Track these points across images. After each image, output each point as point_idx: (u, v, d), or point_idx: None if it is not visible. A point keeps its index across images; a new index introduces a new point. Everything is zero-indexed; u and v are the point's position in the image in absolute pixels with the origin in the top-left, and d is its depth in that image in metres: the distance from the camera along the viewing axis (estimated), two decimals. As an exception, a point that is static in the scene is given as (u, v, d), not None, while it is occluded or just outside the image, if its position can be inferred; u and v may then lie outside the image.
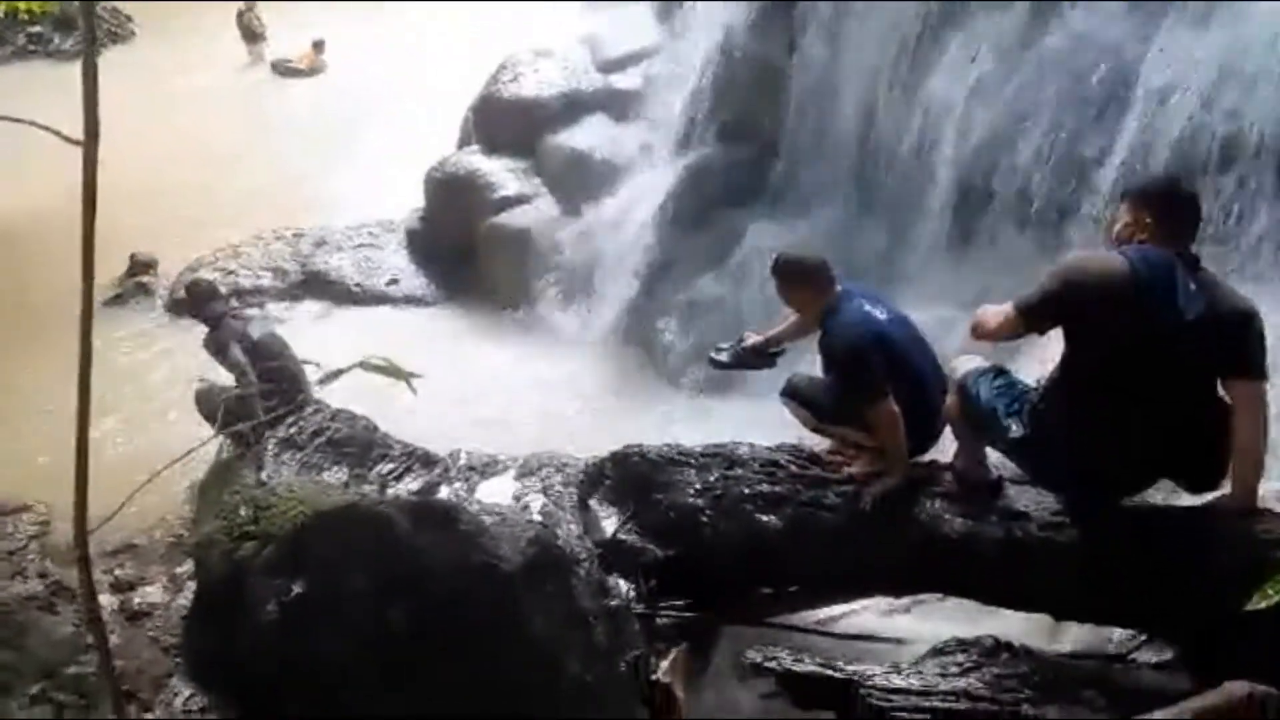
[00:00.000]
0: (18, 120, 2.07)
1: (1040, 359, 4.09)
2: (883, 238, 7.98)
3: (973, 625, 4.26)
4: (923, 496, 4.38)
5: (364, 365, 2.24)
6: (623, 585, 4.95)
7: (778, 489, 4.73)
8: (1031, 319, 3.70)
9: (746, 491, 4.76)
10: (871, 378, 4.22)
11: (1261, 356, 3.55)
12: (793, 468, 4.81)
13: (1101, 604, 4.07)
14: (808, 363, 4.86)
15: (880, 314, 4.38)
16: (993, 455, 4.33)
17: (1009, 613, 4.35)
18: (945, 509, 4.33)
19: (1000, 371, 4.13)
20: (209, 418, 6.66)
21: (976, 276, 7.02)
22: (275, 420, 5.70)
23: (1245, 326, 3.52)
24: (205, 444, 5.71)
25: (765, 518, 4.67)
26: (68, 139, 1.96)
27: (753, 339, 4.98)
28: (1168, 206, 3.59)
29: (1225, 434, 3.58)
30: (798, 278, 4.50)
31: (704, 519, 4.81)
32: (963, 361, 4.26)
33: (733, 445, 5.12)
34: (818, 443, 4.97)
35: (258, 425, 5.85)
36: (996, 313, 3.85)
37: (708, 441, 5.17)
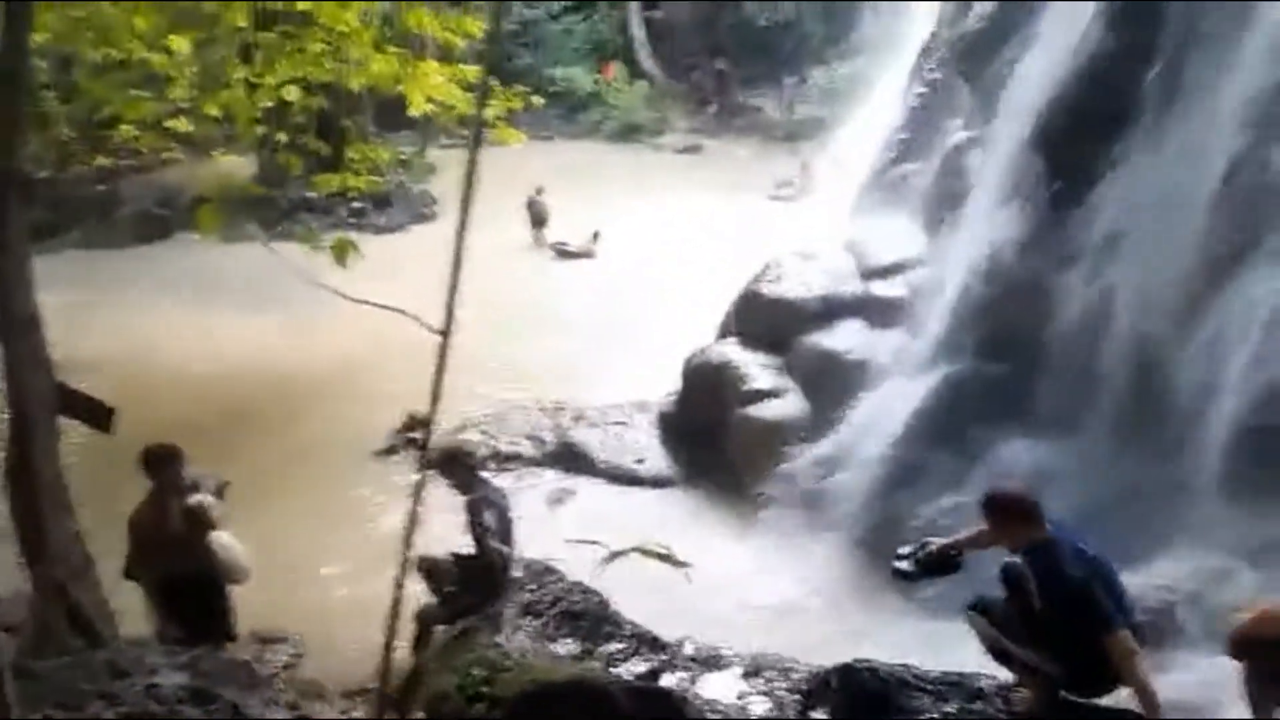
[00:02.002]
0: (385, 307, 2.39)
1: None
2: (1145, 473, 7.48)
3: None
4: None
5: (642, 550, 2.34)
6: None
7: (1022, 729, 4.44)
8: None
9: (988, 729, 4.50)
10: (1106, 611, 4.29)
11: None
12: (1040, 710, 4.52)
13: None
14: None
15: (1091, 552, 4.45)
16: None
17: None
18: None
19: None
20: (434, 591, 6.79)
21: (1257, 526, 6.47)
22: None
23: None
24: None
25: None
26: (430, 328, 2.24)
27: (937, 544, 4.93)
28: None
29: None
30: (1012, 513, 4.51)
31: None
32: None
33: (974, 676, 4.88)
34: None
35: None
36: None
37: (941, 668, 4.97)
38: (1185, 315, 7.67)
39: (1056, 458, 8.15)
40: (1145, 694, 4.27)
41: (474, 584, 6.36)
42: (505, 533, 6.46)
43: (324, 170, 18.75)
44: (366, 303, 2.40)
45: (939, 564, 4.91)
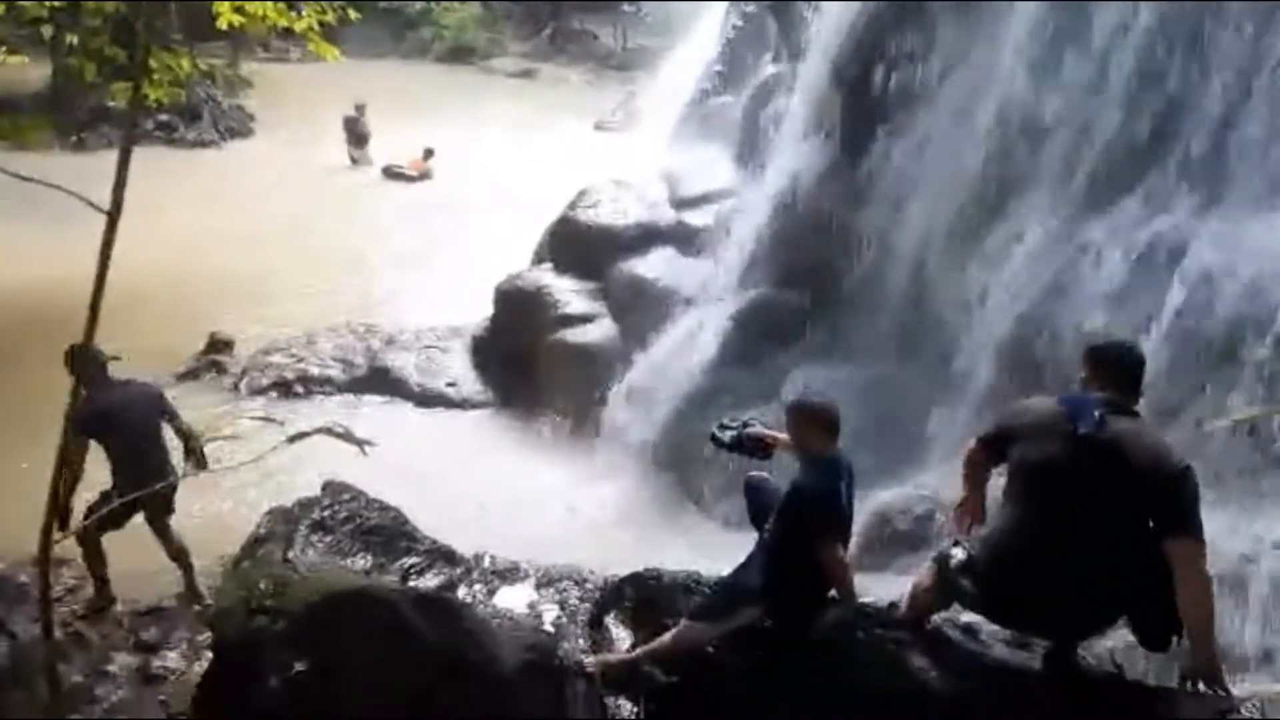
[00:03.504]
0: (58, 188, 2.36)
1: None
2: (924, 394, 8.07)
3: None
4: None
5: (328, 431, 2.43)
6: (625, 706, 5.00)
7: (784, 626, 4.78)
8: (987, 444, 4.13)
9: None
10: (831, 522, 4.52)
11: (1193, 516, 3.61)
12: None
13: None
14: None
15: (846, 488, 4.65)
16: None
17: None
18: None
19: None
20: None
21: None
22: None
23: (1175, 483, 3.60)
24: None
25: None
26: (97, 208, 2.24)
27: (758, 428, 5.15)
28: (1100, 361, 3.98)
29: (1170, 593, 3.61)
30: (813, 422, 4.71)
31: (711, 649, 4.85)
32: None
33: (749, 578, 5.16)
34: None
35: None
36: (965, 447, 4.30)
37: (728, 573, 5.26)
38: (959, 247, 8.24)
39: (844, 379, 8.64)
40: (846, 596, 4.56)
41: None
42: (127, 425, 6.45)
43: (121, 79, 17.64)
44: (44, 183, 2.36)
45: (751, 445, 5.12)
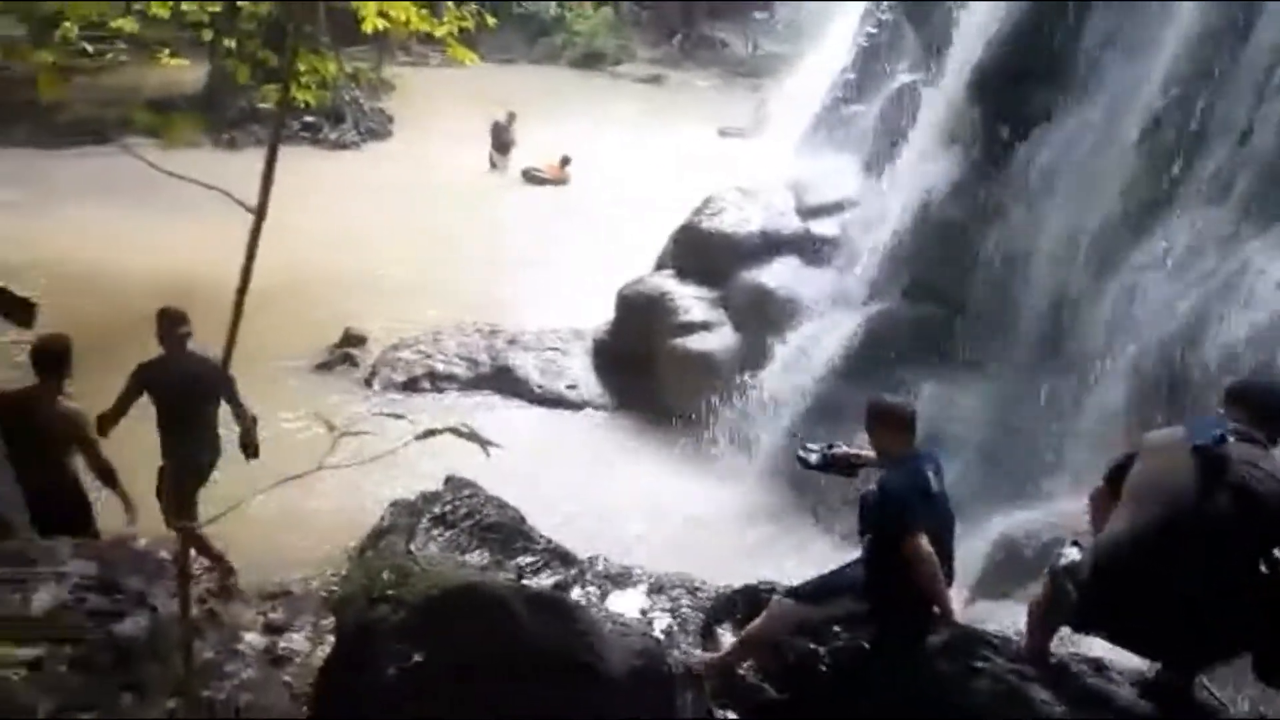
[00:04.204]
0: (209, 187, 2.44)
1: None
2: (1057, 415, 7.77)
3: None
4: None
5: (453, 430, 2.45)
6: (730, 718, 4.96)
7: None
8: (1113, 481, 4.02)
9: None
10: (913, 517, 4.45)
11: None
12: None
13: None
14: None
15: (934, 482, 4.62)
16: None
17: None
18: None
19: None
20: None
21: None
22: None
23: None
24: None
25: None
26: (245, 206, 2.30)
27: (843, 448, 5.20)
28: (1239, 396, 3.97)
29: None
30: (888, 421, 4.74)
31: (821, 667, 4.78)
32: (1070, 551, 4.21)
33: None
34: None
35: None
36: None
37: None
38: (1101, 265, 7.91)
39: (970, 397, 8.41)
40: (937, 598, 4.47)
41: None
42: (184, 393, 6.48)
43: (272, 81, 18.43)
44: (185, 179, 2.44)
45: (838, 463, 5.18)
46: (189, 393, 6.67)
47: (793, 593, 4.92)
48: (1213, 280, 7.09)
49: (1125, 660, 4.31)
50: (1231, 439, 3.66)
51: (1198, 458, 3.63)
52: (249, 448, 6.85)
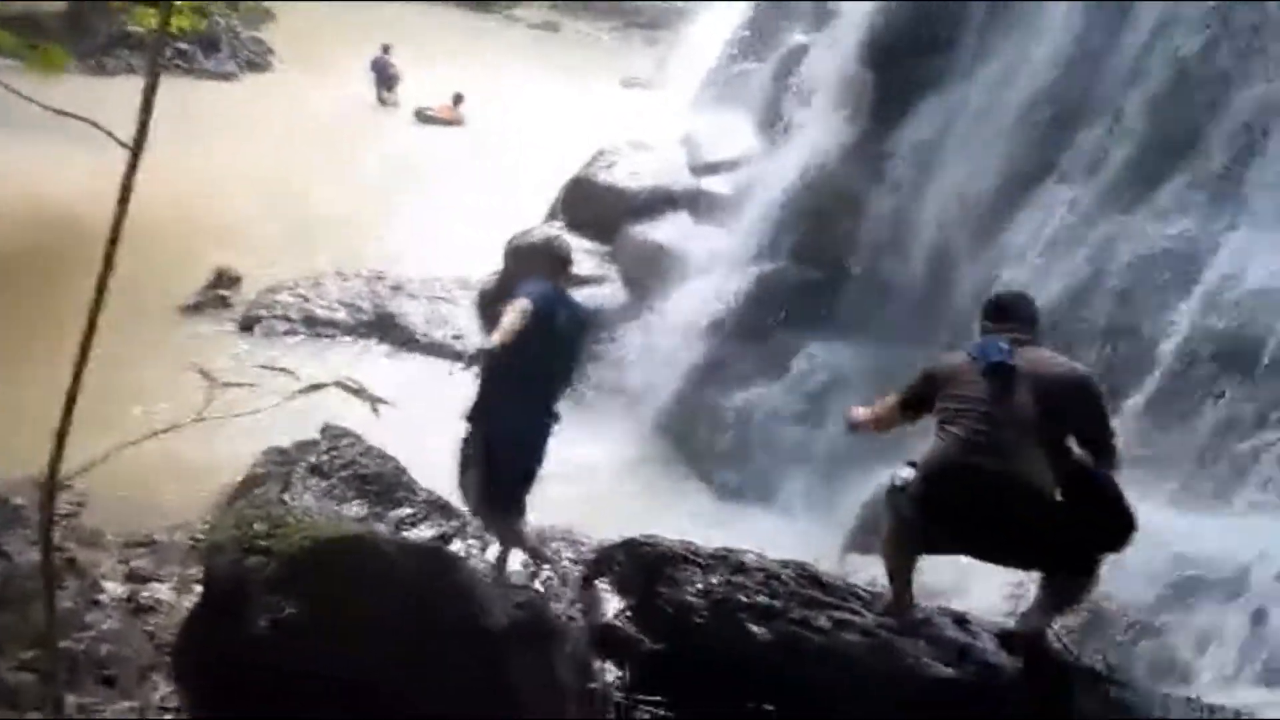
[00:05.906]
0: (81, 119, 2.28)
1: None
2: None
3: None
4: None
5: (340, 385, 2.36)
6: (609, 670, 4.98)
7: (775, 603, 4.77)
8: (904, 404, 4.43)
9: (744, 600, 4.80)
10: (528, 295, 4.97)
11: (1108, 417, 4.05)
12: (793, 585, 4.86)
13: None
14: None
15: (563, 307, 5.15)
16: None
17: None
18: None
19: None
20: None
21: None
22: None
23: (1088, 388, 4.01)
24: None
25: (756, 629, 4.70)
26: (120, 142, 2.16)
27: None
28: (999, 307, 4.36)
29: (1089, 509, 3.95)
30: (533, 256, 5.27)
31: (698, 619, 4.84)
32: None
33: (741, 552, 5.17)
34: (828, 566, 5.02)
35: None
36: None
37: (723, 545, 5.25)
38: (981, 230, 8.14)
39: (855, 358, 8.58)
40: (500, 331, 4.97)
41: None
42: None
43: (146, 2, 17.37)
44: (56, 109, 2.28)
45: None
46: None
47: None
48: (1084, 249, 7.40)
49: (987, 613, 4.50)
50: (1015, 348, 4.03)
51: (999, 372, 3.97)
52: None
